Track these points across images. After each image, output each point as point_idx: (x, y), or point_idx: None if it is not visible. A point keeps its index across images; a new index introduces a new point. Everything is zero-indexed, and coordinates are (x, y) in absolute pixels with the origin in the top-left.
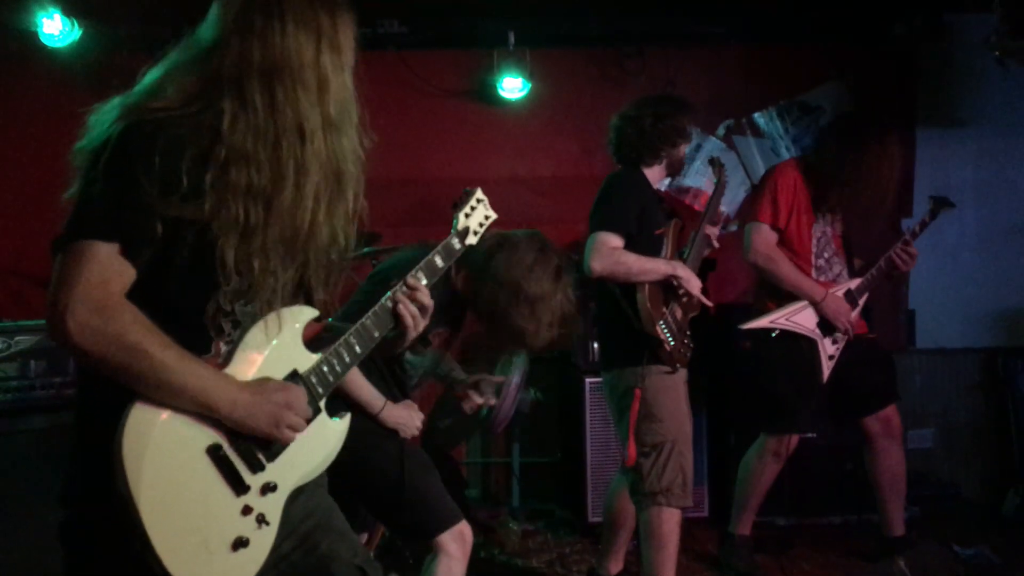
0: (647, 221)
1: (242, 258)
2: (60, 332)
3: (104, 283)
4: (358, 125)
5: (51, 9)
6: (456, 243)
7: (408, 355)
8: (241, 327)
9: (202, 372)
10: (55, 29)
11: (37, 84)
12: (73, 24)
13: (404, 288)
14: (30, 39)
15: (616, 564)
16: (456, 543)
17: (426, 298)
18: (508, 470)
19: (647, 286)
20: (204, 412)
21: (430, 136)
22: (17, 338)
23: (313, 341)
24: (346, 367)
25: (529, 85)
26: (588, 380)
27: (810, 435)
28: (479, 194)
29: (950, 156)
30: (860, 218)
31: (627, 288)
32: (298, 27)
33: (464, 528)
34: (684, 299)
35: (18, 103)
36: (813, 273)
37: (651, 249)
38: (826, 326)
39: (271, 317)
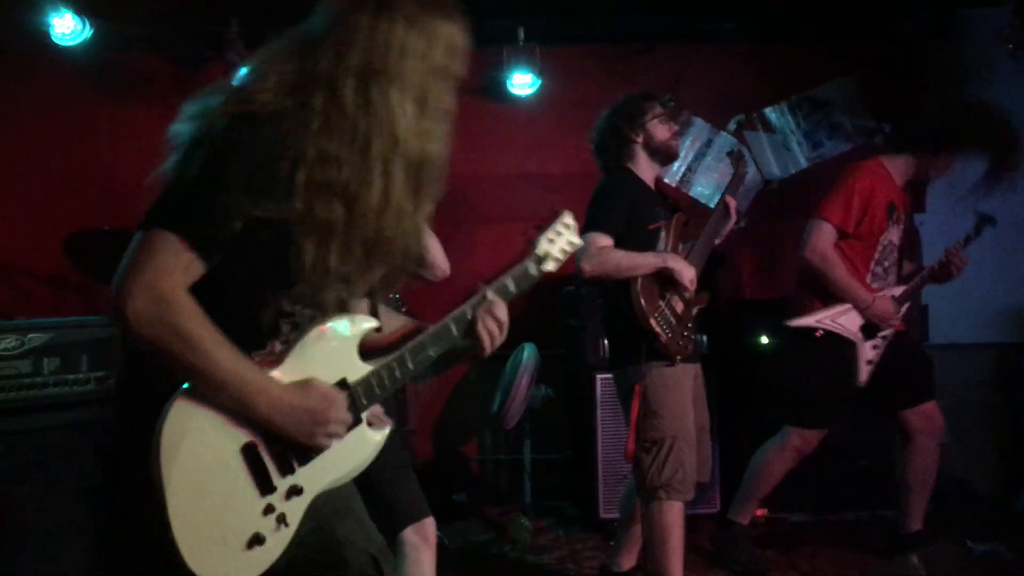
0: (638, 218)
1: (319, 259)
2: (118, 314)
3: (169, 274)
4: (448, 136)
5: (62, 8)
6: (533, 269)
7: None
8: (299, 329)
9: (248, 373)
10: (66, 28)
11: (48, 83)
12: (84, 23)
13: (479, 308)
14: (41, 38)
15: (629, 560)
16: (418, 535)
17: (502, 321)
18: (519, 467)
19: (640, 280)
20: (244, 411)
21: None
22: (30, 335)
23: (368, 351)
24: (395, 382)
25: (539, 81)
26: (599, 376)
27: None
28: (568, 218)
29: None
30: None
31: (622, 285)
32: (408, 30)
33: (427, 522)
34: (685, 292)
35: (29, 101)
36: (868, 278)
37: (645, 245)
38: (868, 330)
39: (330, 323)
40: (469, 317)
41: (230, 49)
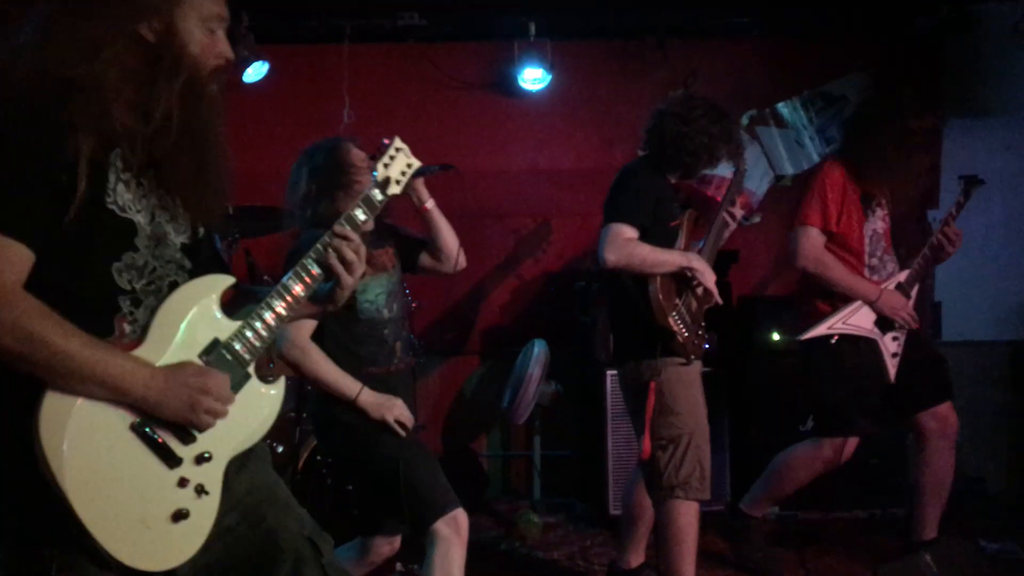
0: (662, 213)
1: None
2: None
3: None
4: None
5: None
6: (377, 194)
7: (364, 307)
8: (145, 304)
9: (109, 358)
10: None
11: None
12: None
13: (332, 238)
14: None
15: (637, 557)
16: (449, 527)
17: (358, 246)
18: (529, 463)
19: (659, 277)
20: (116, 398)
21: (450, 128)
22: None
23: (232, 308)
24: (272, 330)
25: (550, 77)
26: (608, 373)
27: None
28: (398, 143)
29: (977, 147)
30: (907, 205)
31: (639, 279)
32: None
33: (458, 514)
34: (699, 290)
35: None
36: (866, 273)
37: (666, 241)
38: (884, 323)
39: (184, 288)
40: (323, 251)
41: (240, 44)
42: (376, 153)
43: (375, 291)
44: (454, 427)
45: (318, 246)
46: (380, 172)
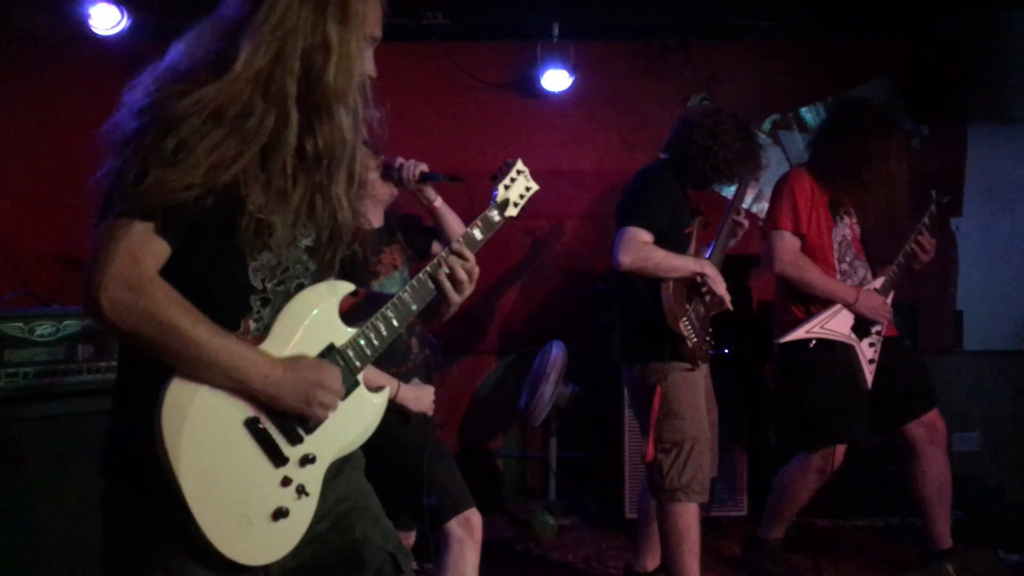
0: (677, 220)
1: (267, 219)
2: (94, 309)
3: (136, 260)
4: (360, 104)
5: None
6: (496, 215)
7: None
8: (272, 304)
9: (234, 347)
10: (105, 18)
11: (86, 72)
12: (123, 13)
13: (448, 256)
14: (79, 28)
15: (653, 561)
16: (463, 528)
17: (472, 267)
18: (545, 464)
19: (671, 282)
20: (237, 386)
21: (472, 128)
22: (65, 323)
23: (349, 314)
24: (384, 340)
25: (572, 78)
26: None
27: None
28: (519, 165)
29: (1001, 154)
30: (877, 216)
31: (651, 283)
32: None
33: (472, 515)
34: (707, 297)
35: (67, 91)
36: (838, 278)
37: (678, 247)
38: (860, 329)
39: (307, 292)
40: (437, 267)
41: None
42: (497, 173)
43: (389, 291)
44: (470, 427)
45: (436, 263)
46: (500, 193)
